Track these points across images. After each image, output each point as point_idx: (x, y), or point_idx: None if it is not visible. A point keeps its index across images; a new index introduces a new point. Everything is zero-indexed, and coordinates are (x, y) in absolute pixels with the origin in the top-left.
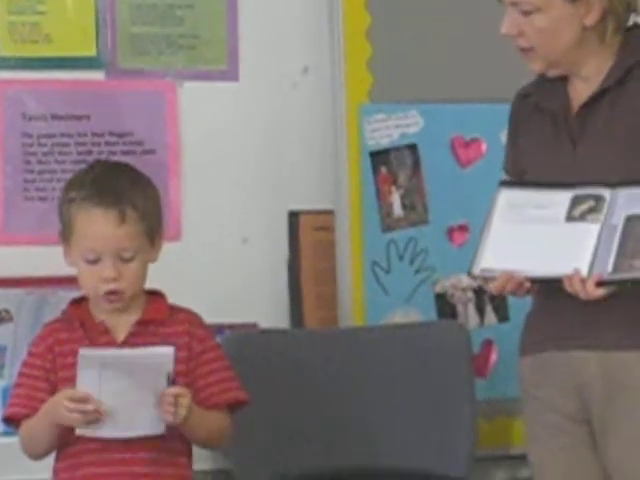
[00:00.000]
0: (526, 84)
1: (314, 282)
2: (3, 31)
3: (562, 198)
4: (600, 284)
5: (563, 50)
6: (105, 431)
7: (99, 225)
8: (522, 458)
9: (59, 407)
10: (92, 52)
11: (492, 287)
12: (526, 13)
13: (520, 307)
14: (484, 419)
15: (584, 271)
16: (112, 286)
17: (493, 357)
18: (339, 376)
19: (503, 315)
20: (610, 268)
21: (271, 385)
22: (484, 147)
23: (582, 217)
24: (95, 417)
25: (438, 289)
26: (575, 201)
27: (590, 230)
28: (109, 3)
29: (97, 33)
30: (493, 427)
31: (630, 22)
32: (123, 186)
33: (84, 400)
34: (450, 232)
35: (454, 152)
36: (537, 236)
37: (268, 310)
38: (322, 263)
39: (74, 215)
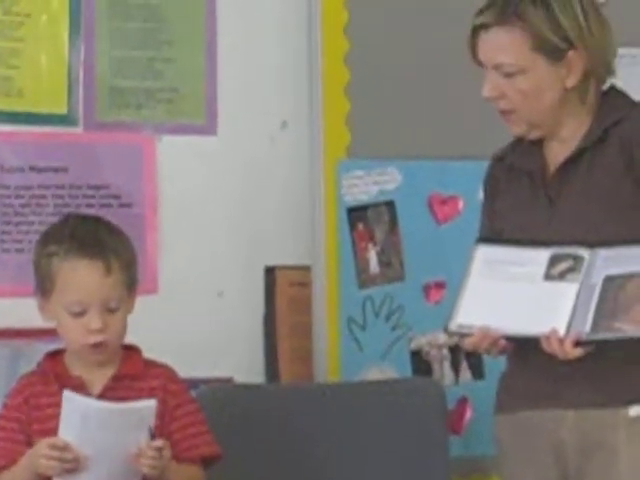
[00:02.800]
0: (501, 147)
1: (290, 337)
2: None
3: (540, 257)
4: (578, 344)
5: (545, 111)
6: (85, 478)
7: (85, 276)
8: None
9: (38, 455)
10: (63, 110)
11: (468, 343)
12: (508, 75)
13: (495, 365)
14: (458, 477)
15: (562, 330)
16: (99, 338)
17: (468, 414)
18: (313, 431)
19: (478, 373)
20: (588, 328)
21: (245, 439)
22: (461, 204)
23: (561, 276)
24: (73, 466)
25: (414, 346)
26: (554, 260)
27: (568, 289)
28: (88, 55)
29: (69, 90)
30: None
31: (607, 84)
32: (103, 237)
33: (63, 448)
34: (426, 289)
35: (431, 209)
36: (515, 294)
37: (243, 364)
38: (298, 318)
39: (56, 268)
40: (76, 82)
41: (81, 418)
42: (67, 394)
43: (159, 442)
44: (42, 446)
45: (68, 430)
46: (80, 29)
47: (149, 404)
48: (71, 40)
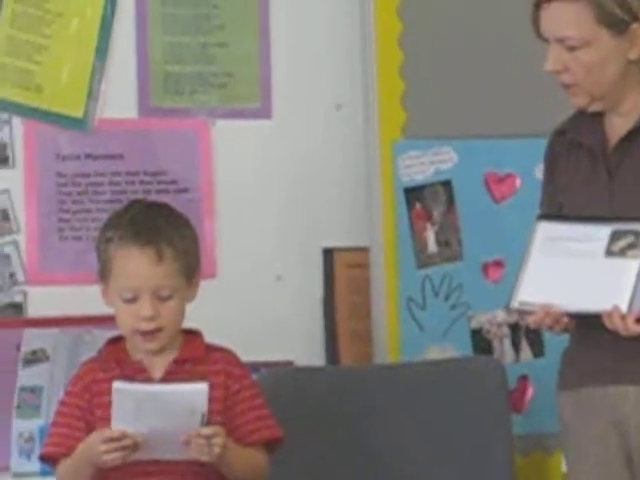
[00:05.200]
0: (562, 121)
1: (349, 319)
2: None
3: (601, 233)
4: None
5: (608, 84)
6: (140, 455)
7: (136, 264)
8: None
9: (96, 450)
10: (79, 113)
11: (530, 321)
12: (572, 49)
13: (556, 343)
14: (520, 454)
15: (624, 307)
16: (150, 325)
17: (529, 392)
18: (375, 413)
19: (539, 351)
20: None
21: (307, 422)
22: (518, 182)
23: (622, 253)
24: (134, 450)
25: (473, 325)
26: (614, 236)
27: (630, 266)
28: (141, 41)
29: (88, 96)
30: (530, 462)
31: None
32: (160, 225)
33: (120, 438)
34: (485, 268)
35: (488, 188)
36: (576, 270)
37: (304, 347)
38: (357, 300)
39: (112, 254)
40: (97, 90)
41: (133, 405)
42: (116, 385)
43: (208, 430)
44: (97, 440)
45: (121, 419)
46: (108, 40)
47: (201, 387)
48: (98, 49)
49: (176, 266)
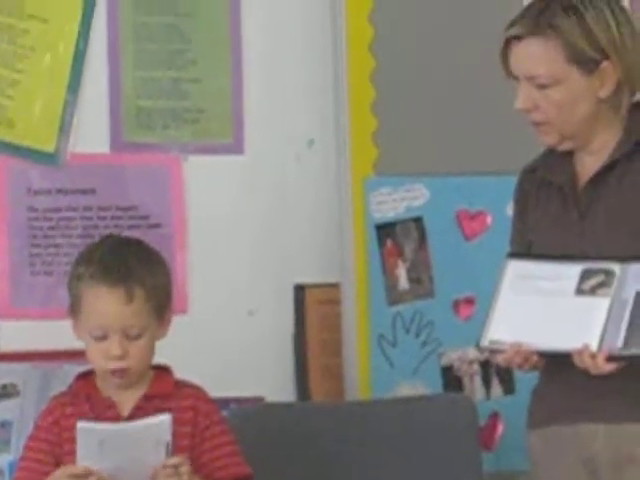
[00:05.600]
0: (532, 159)
1: (320, 355)
2: None
3: (572, 271)
4: (610, 359)
5: (578, 123)
6: None
7: (105, 303)
8: None
9: None
10: (51, 148)
11: (500, 359)
12: (542, 87)
13: (527, 380)
14: None
15: (594, 346)
16: (119, 364)
17: (499, 430)
18: (345, 450)
19: (509, 388)
20: (620, 343)
21: (277, 459)
22: (489, 220)
23: (592, 291)
24: None
25: (444, 362)
26: (585, 275)
27: (600, 304)
28: (113, 76)
29: (60, 130)
30: None
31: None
32: (131, 264)
33: (85, 475)
34: (456, 305)
35: (459, 225)
36: (546, 309)
37: (274, 383)
38: (328, 336)
39: (82, 291)
40: (69, 124)
41: (97, 444)
42: (80, 425)
43: (175, 459)
44: (61, 475)
45: (86, 456)
46: (80, 75)
47: (163, 419)
48: (70, 84)
49: (147, 306)
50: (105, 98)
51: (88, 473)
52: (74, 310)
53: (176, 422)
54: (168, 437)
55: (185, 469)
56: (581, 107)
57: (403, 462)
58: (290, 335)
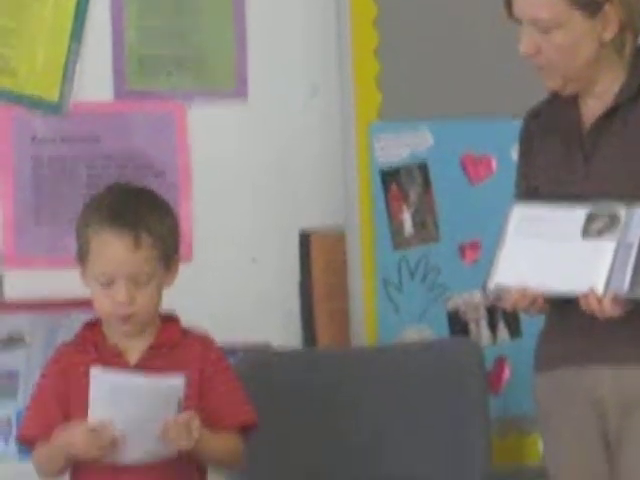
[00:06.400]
0: (536, 103)
1: (326, 301)
2: None
3: (577, 215)
4: (616, 302)
5: (582, 66)
6: (119, 456)
7: (113, 249)
8: (536, 475)
9: (74, 441)
10: (54, 97)
11: (506, 303)
12: (545, 30)
13: (533, 323)
14: (497, 436)
15: (600, 289)
16: (125, 310)
17: (506, 374)
18: (352, 395)
19: (516, 331)
20: (626, 286)
21: (284, 405)
22: (494, 164)
23: (598, 234)
24: (111, 447)
25: (450, 306)
26: (590, 218)
27: (606, 248)
28: (117, 24)
29: (63, 79)
30: (506, 444)
31: None
32: (139, 211)
33: (99, 430)
34: (462, 249)
35: (464, 169)
36: (552, 252)
37: (280, 329)
38: (334, 281)
39: (90, 238)
40: (72, 73)
41: (110, 393)
42: (94, 371)
43: (186, 416)
44: (76, 432)
45: (98, 407)
46: (84, 24)
47: (178, 381)
48: (73, 32)
49: (154, 253)
50: (108, 46)
51: (103, 427)
52: (82, 257)
53: (184, 370)
54: (180, 395)
55: (195, 425)
56: (584, 50)
57: (410, 407)
58: (296, 281)
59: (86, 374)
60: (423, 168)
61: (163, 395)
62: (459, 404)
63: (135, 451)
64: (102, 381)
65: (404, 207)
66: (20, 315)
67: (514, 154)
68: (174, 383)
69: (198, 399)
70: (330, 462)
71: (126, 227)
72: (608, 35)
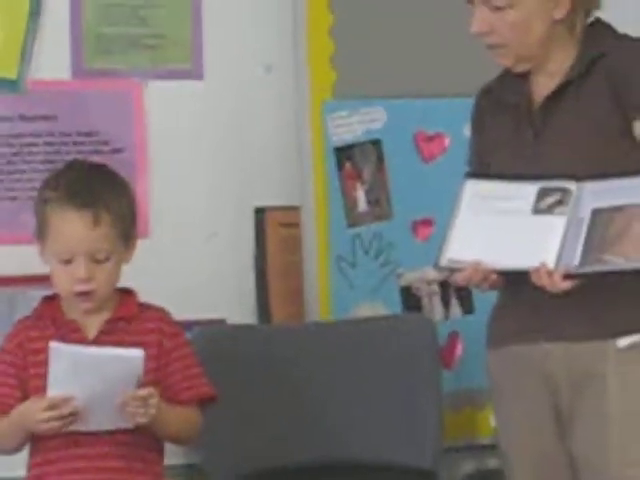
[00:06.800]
0: (489, 80)
1: (281, 277)
2: None
3: (528, 190)
4: (567, 277)
5: (534, 44)
6: (78, 425)
7: (72, 226)
8: (489, 448)
9: (33, 417)
10: (13, 75)
11: (459, 278)
12: (497, 9)
13: (485, 300)
14: (450, 410)
15: (551, 264)
16: (85, 287)
17: (458, 349)
18: (306, 370)
19: (468, 307)
20: (577, 261)
21: (239, 380)
22: (447, 142)
23: (549, 210)
24: (72, 419)
25: (403, 282)
26: (541, 194)
27: (557, 223)
28: (75, 3)
29: (21, 58)
30: (459, 418)
31: (593, 17)
32: (98, 188)
33: (60, 405)
34: (414, 226)
35: (417, 147)
36: (504, 228)
37: (235, 305)
38: (288, 258)
39: (49, 215)
40: (30, 51)
41: (71, 366)
42: (53, 345)
43: (143, 391)
44: (35, 409)
45: (58, 381)
46: (41, 2)
47: (137, 353)
48: (31, 11)
49: (113, 230)
50: (66, 25)
51: (63, 401)
52: (41, 234)
53: (141, 345)
54: (140, 369)
55: (153, 401)
56: (536, 28)
57: (363, 382)
58: (251, 258)
59: (44, 349)
60: (377, 145)
61: (122, 367)
62: (412, 379)
63: (94, 421)
64: (61, 355)
65: (358, 185)
66: None
67: (467, 132)
68: (133, 355)
69: (156, 372)
70: (286, 433)
71: (85, 205)
72: (560, 13)
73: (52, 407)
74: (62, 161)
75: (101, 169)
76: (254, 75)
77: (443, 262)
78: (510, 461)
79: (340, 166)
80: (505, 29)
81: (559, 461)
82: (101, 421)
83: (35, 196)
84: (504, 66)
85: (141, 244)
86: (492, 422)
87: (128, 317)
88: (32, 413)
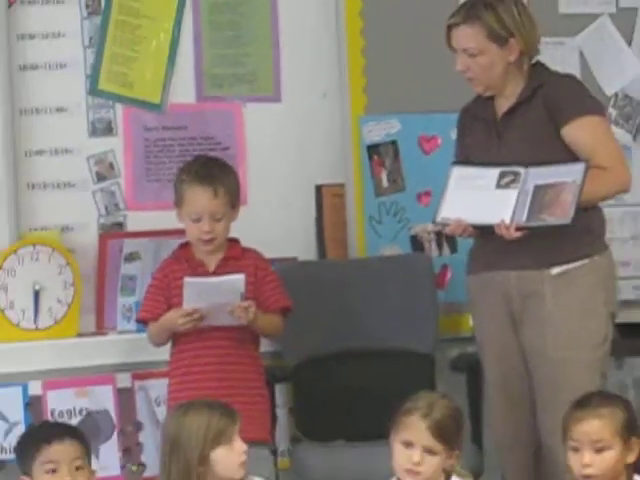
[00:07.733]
0: (467, 101)
1: (333, 230)
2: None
3: (493, 173)
4: (518, 229)
5: (496, 78)
6: (202, 325)
7: (200, 197)
8: (468, 340)
9: (175, 321)
10: (157, 100)
11: (448, 230)
12: (472, 56)
13: (466, 243)
14: (443, 315)
15: (508, 220)
16: (208, 236)
17: (448, 275)
18: (348, 288)
19: (454, 248)
20: (524, 218)
21: (307, 297)
22: (440, 141)
23: (506, 185)
24: (200, 320)
25: (412, 233)
26: (502, 175)
27: (512, 194)
28: (198, 54)
29: (163, 89)
30: (449, 320)
31: (535, 60)
32: (216, 172)
33: (192, 313)
34: (419, 196)
35: (420, 145)
36: (477, 198)
37: (303, 248)
38: (337, 218)
39: (184, 190)
40: (169, 84)
41: (197, 291)
42: (185, 279)
43: (245, 303)
44: (175, 316)
45: (189, 300)
46: (176, 54)
47: (240, 277)
48: (169, 59)
49: (225, 199)
50: (192, 67)
51: (194, 311)
52: (178, 203)
53: (244, 273)
54: (242, 288)
55: (252, 309)
56: (497, 68)
57: (385, 296)
58: (313, 218)
59: (181, 278)
60: (394, 144)
61: (231, 287)
62: (417, 294)
63: (214, 322)
64: (191, 285)
65: (382, 169)
66: (138, 240)
67: (453, 135)
68: (237, 278)
69: (253, 291)
70: (335, 329)
71: (208, 184)
72: (513, 58)
73: (186, 315)
74: (190, 156)
75: (216, 160)
76: (315, 99)
77: (438, 219)
78: (482, 348)
79: (370, 157)
80: (477, 69)
81: (514, 348)
82: (219, 322)
83: (174, 178)
84: (477, 92)
85: (242, 209)
86: (470, 323)
87: (235, 256)
88: (174, 319)
